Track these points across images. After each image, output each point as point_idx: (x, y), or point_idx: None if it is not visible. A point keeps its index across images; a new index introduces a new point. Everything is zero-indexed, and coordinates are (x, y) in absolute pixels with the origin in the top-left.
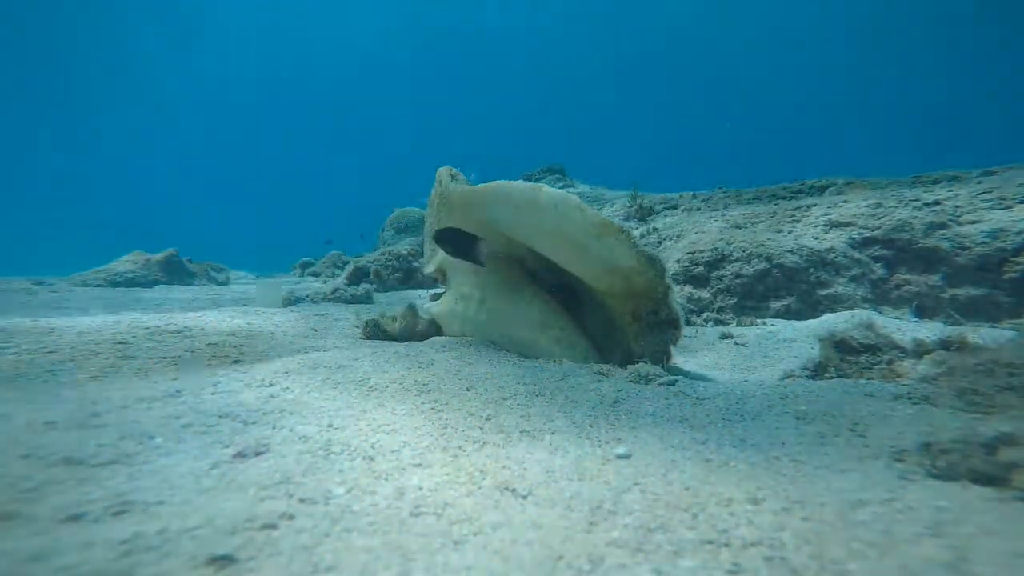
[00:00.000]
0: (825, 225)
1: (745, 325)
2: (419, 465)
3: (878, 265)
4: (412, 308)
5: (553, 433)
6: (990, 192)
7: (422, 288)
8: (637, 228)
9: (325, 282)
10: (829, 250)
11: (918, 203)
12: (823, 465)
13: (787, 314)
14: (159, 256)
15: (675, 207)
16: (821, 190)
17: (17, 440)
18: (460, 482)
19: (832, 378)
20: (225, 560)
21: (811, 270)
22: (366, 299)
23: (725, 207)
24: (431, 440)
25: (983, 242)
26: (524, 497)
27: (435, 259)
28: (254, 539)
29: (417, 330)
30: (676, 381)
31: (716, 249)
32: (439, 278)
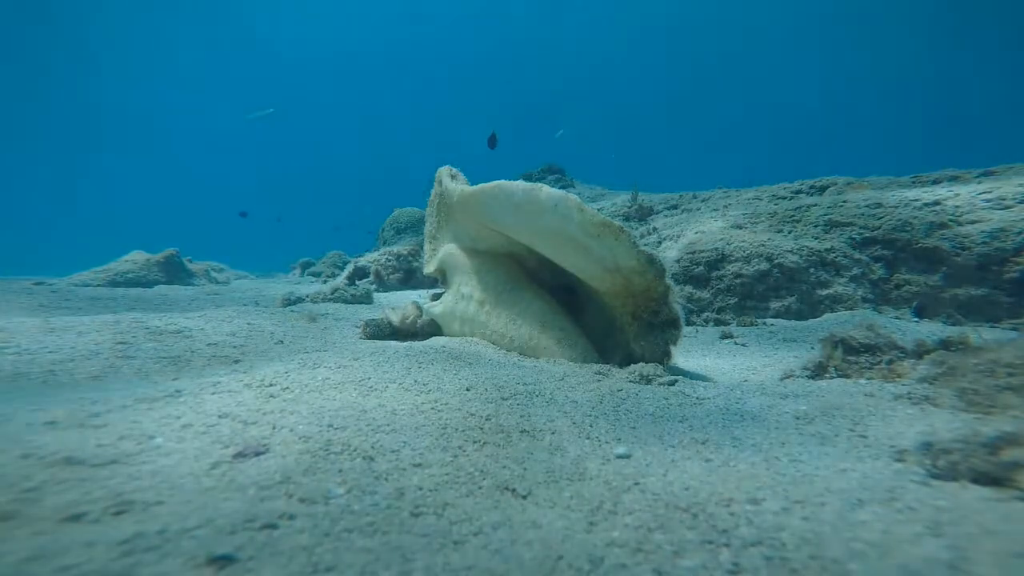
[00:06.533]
0: (825, 225)
1: (745, 325)
2: (419, 465)
3: (878, 265)
4: (415, 304)
5: (553, 433)
6: (990, 192)
7: (422, 288)
8: (637, 228)
9: (325, 282)
10: (829, 250)
11: (918, 203)
12: (823, 465)
13: (787, 314)
14: (159, 256)
15: (675, 207)
16: (821, 190)
17: (17, 440)
18: (460, 482)
19: (832, 378)
20: (225, 560)
21: (811, 270)
22: (366, 299)
23: (725, 207)
24: (431, 440)
25: (983, 242)
26: (524, 497)
27: (435, 259)
28: (254, 539)
29: (417, 324)
30: (676, 381)
31: (716, 249)
32: (439, 278)
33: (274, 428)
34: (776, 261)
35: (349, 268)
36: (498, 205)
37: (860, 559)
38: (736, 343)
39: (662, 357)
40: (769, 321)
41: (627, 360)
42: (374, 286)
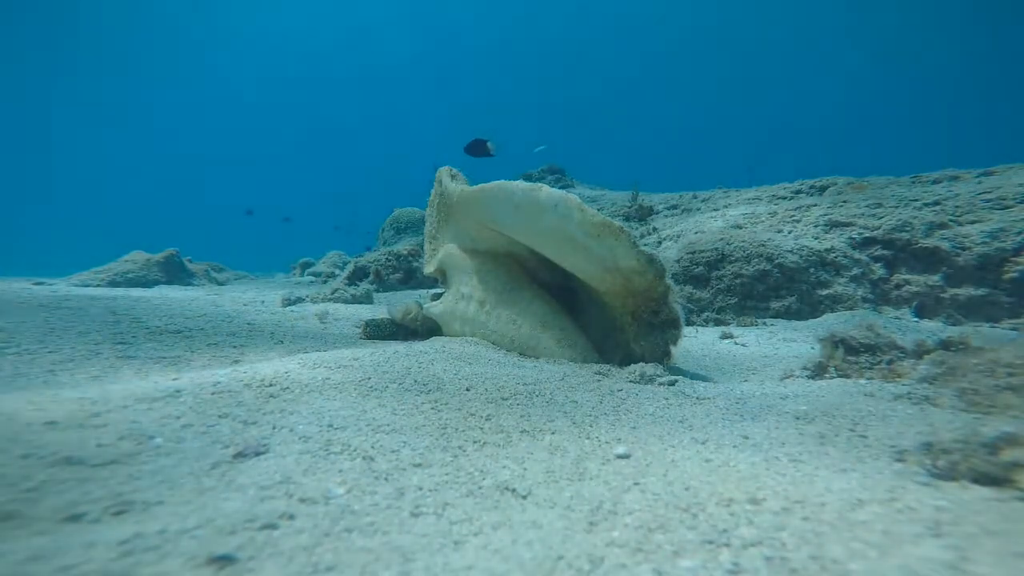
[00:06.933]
0: (825, 225)
1: (745, 325)
2: (419, 465)
3: (878, 265)
4: (416, 301)
5: (553, 433)
6: (990, 192)
7: (422, 288)
8: (637, 228)
9: (325, 282)
10: (829, 250)
11: (918, 203)
12: (823, 465)
13: (787, 314)
14: (159, 256)
15: (675, 207)
16: (821, 190)
17: (17, 440)
18: (460, 482)
19: (832, 378)
20: (225, 560)
21: (811, 270)
22: (366, 299)
23: (725, 207)
24: (431, 440)
25: (983, 242)
26: (524, 497)
27: (435, 259)
28: (254, 539)
29: (419, 320)
30: (676, 381)
31: (716, 249)
32: (439, 278)
33: (274, 428)
34: (776, 261)
35: (349, 268)
36: (498, 205)
37: (860, 559)
38: (736, 343)
39: (662, 357)
40: (769, 321)
41: (627, 360)
42: (374, 286)
